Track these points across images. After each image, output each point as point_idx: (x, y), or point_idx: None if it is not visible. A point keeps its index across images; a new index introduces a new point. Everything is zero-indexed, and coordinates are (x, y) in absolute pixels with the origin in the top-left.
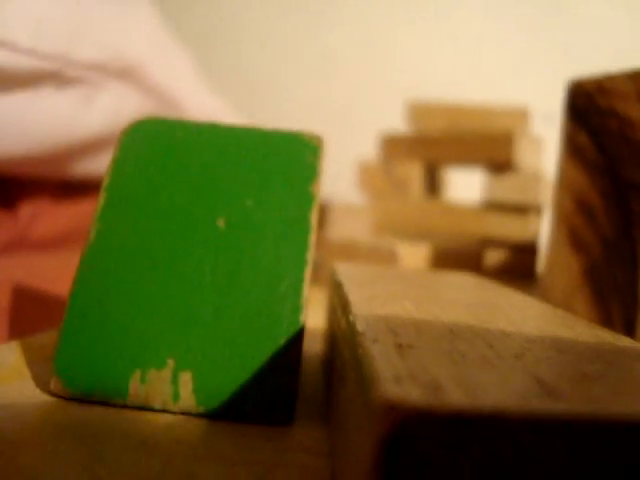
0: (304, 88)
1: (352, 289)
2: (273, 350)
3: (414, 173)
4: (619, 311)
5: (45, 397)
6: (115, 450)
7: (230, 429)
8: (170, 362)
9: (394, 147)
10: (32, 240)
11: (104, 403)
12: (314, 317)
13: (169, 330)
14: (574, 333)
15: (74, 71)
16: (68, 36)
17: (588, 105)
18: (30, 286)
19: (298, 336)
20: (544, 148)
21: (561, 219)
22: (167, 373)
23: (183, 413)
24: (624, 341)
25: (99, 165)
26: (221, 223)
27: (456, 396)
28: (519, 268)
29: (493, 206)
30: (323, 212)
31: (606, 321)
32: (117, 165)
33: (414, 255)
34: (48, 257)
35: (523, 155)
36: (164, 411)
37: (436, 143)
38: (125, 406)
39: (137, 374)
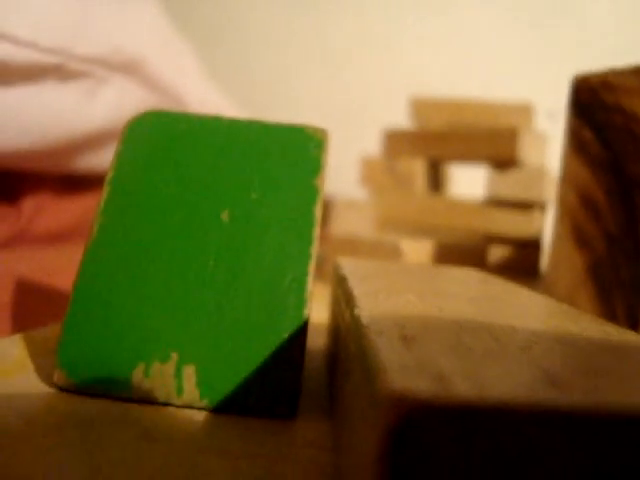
0: (307, 84)
1: (356, 283)
2: (277, 344)
3: (417, 169)
4: (623, 306)
5: (48, 390)
6: (118, 442)
7: (233, 422)
8: (174, 355)
9: (397, 143)
10: (35, 234)
11: (107, 396)
12: (317, 311)
13: (173, 323)
14: (579, 327)
15: (76, 65)
16: (69, 30)
17: (593, 100)
18: (33, 280)
19: (302, 330)
20: (548, 144)
21: (565, 215)
22: (171, 366)
23: (186, 406)
24: (629, 335)
25: (102, 159)
26: (225, 216)
27: (463, 388)
28: (522, 264)
29: (497, 202)
30: (326, 207)
31: (610, 316)
32: (121, 158)
33: (417, 251)
34: (51, 251)
35: (527, 151)
36: (167, 404)
37: (439, 139)
38: (128, 399)
39: (140, 367)
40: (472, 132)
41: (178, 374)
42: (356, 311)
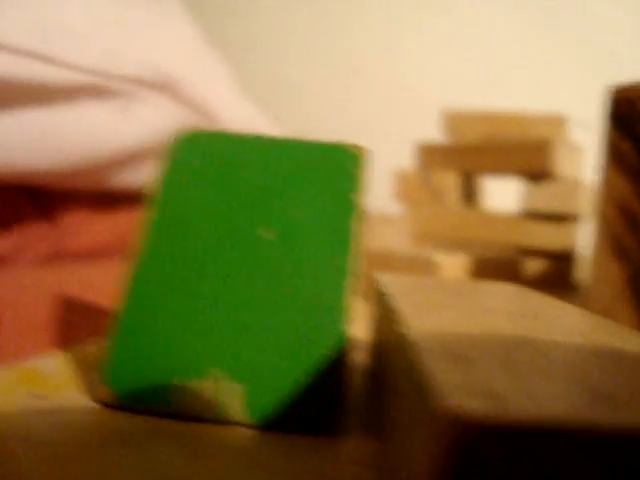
0: (339, 99)
1: (398, 300)
2: (319, 361)
3: (451, 182)
4: None
5: (94, 405)
6: (166, 459)
7: (277, 439)
8: (218, 373)
9: (431, 156)
10: (72, 251)
11: (152, 412)
12: (354, 328)
13: (217, 341)
14: (623, 341)
15: (113, 84)
16: (108, 50)
17: (631, 112)
18: (72, 296)
19: (344, 347)
20: (582, 155)
21: (604, 227)
22: (215, 384)
23: (231, 423)
24: None
25: (137, 176)
26: (266, 234)
27: (519, 407)
28: (557, 277)
29: (531, 215)
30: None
31: None
32: (165, 177)
33: (452, 265)
34: (88, 267)
35: (561, 163)
36: (212, 421)
37: (473, 152)
38: (174, 415)
39: (186, 384)
40: (505, 144)
41: (223, 391)
42: (402, 329)
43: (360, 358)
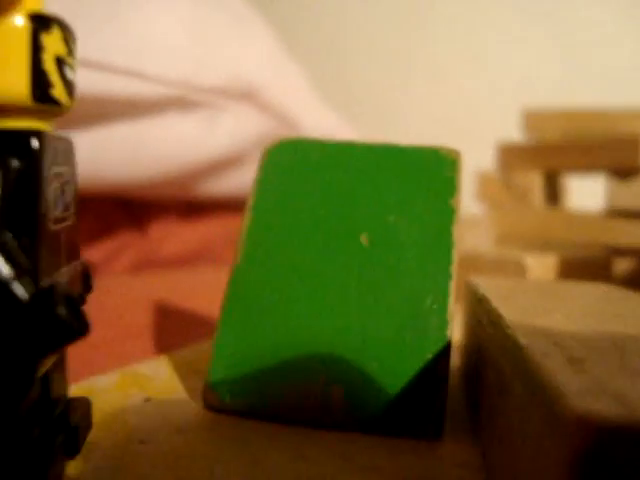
0: (418, 101)
1: (499, 303)
2: (421, 365)
3: (534, 182)
4: None
5: (200, 409)
6: (273, 462)
7: (381, 443)
8: (321, 377)
9: (512, 157)
10: (162, 258)
11: (256, 415)
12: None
13: (319, 345)
14: None
15: (197, 95)
16: (192, 62)
17: None
18: (167, 302)
19: (445, 350)
20: None
21: None
22: (318, 387)
23: (334, 426)
24: None
25: (222, 185)
26: (364, 240)
27: None
28: None
29: (618, 213)
30: None
31: None
32: (261, 185)
33: (541, 266)
34: (180, 274)
35: None
36: (316, 424)
37: (556, 151)
38: (279, 419)
39: (289, 388)
40: (590, 142)
41: (326, 395)
42: (510, 331)
43: (454, 361)
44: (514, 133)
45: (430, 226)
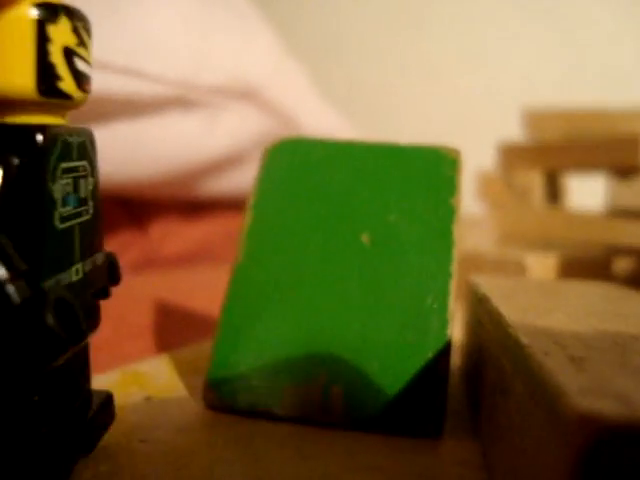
0: (417, 101)
1: (500, 302)
2: (421, 364)
3: (534, 182)
4: None
5: (200, 408)
6: (274, 461)
7: (381, 441)
8: (321, 376)
9: (513, 156)
10: (163, 258)
11: (256, 414)
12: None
13: (319, 344)
14: None
15: (198, 95)
16: (192, 61)
17: None
18: (168, 302)
19: (446, 349)
20: None
21: None
22: (318, 386)
23: (334, 425)
24: None
25: (223, 184)
26: (365, 239)
27: None
28: None
29: (619, 212)
30: None
31: None
32: (262, 184)
33: (542, 265)
34: (180, 273)
35: None
36: (315, 423)
37: (557, 150)
38: (277, 418)
39: (289, 387)
40: (591, 141)
41: (325, 394)
42: (511, 330)
43: (453, 360)
44: (514, 132)
45: (431, 225)
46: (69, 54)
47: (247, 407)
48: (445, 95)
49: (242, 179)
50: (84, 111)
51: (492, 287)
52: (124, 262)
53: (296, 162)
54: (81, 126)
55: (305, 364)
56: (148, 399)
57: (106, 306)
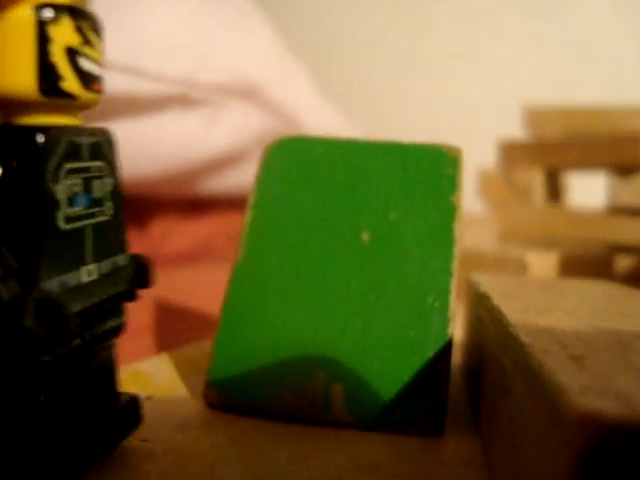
0: (420, 98)
1: (500, 300)
2: (422, 362)
3: (535, 180)
4: None
5: (200, 407)
6: (274, 458)
7: (382, 440)
8: (321, 374)
9: (513, 154)
10: (164, 256)
11: (257, 413)
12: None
13: (320, 343)
14: None
15: (198, 93)
16: (193, 59)
17: None
18: (169, 301)
19: (447, 348)
20: None
21: None
22: (318, 385)
23: (335, 424)
24: None
25: (223, 183)
26: (365, 237)
27: None
28: None
29: (620, 210)
30: None
31: None
32: (262, 183)
33: (542, 263)
34: (181, 272)
35: None
36: (316, 422)
37: (557, 148)
38: (277, 417)
39: (289, 386)
40: (592, 139)
41: (326, 393)
42: (512, 329)
43: (454, 359)
44: (515, 130)
45: (431, 223)
46: (72, 54)
47: (248, 406)
48: (446, 93)
49: (242, 177)
50: (84, 110)
51: (493, 285)
52: None
53: (296, 160)
54: (98, 127)
55: (306, 363)
56: (148, 398)
57: None
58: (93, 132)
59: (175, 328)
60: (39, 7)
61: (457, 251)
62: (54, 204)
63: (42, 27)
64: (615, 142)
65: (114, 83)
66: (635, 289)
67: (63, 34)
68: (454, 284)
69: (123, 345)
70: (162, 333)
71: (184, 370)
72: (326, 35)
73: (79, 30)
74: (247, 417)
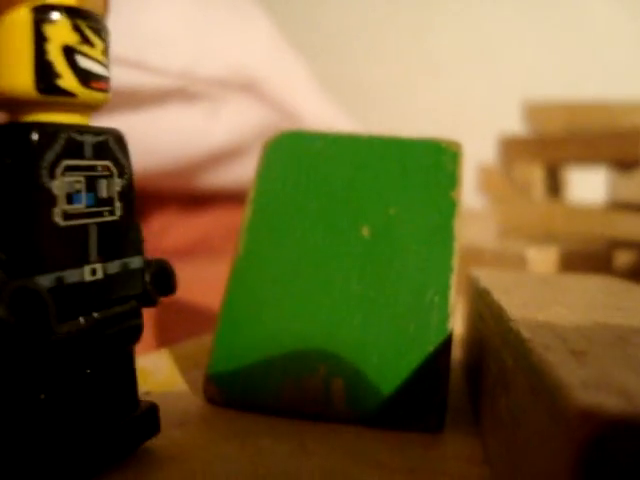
0: (420, 93)
1: (501, 295)
2: (422, 358)
3: (535, 175)
4: None
5: (200, 402)
6: (275, 456)
7: (382, 435)
8: (322, 369)
9: (514, 149)
10: (163, 251)
11: (257, 408)
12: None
13: (320, 338)
14: None
15: (198, 87)
16: (193, 53)
17: None
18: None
19: (447, 343)
20: None
21: None
22: (319, 380)
23: (334, 419)
24: None
25: (223, 177)
26: (365, 232)
27: None
28: None
29: (620, 205)
30: None
31: None
32: (261, 178)
33: (542, 259)
34: (180, 267)
35: None
36: (316, 417)
37: (557, 143)
38: (278, 411)
39: (289, 381)
40: (592, 134)
41: (326, 388)
42: (512, 324)
43: (454, 354)
44: (515, 125)
45: (431, 219)
46: (70, 52)
47: (248, 401)
48: (446, 88)
49: (242, 172)
50: None
51: (493, 281)
52: None
53: (296, 155)
54: (108, 127)
55: (305, 357)
56: (148, 394)
57: None
58: (100, 131)
59: (174, 323)
60: (36, 8)
61: (457, 246)
62: (50, 199)
63: (38, 27)
64: (615, 137)
65: (114, 76)
66: (635, 284)
67: (60, 33)
68: (454, 279)
69: None
70: (161, 328)
71: (184, 365)
72: (326, 30)
73: (77, 29)
74: (247, 412)
